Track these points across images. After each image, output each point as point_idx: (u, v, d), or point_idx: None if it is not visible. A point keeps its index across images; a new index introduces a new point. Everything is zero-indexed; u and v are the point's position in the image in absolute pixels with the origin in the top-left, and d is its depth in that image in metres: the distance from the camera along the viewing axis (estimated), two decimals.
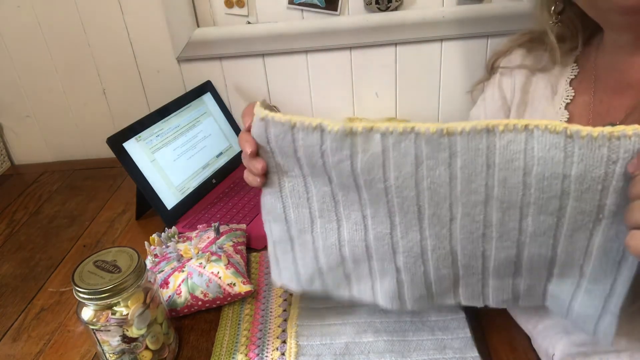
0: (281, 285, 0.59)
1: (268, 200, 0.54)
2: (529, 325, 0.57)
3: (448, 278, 0.51)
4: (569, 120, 0.64)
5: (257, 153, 0.50)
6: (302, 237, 0.54)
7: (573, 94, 0.65)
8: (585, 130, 0.38)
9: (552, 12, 0.63)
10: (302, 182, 0.50)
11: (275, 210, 0.54)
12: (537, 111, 0.68)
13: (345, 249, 0.52)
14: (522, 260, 0.47)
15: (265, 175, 0.52)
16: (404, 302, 0.54)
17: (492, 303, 0.53)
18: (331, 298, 0.58)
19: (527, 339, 0.57)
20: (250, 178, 0.53)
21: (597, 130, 0.37)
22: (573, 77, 0.66)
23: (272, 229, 0.55)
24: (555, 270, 0.47)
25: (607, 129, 0.37)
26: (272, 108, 0.49)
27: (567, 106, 0.65)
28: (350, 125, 0.43)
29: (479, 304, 0.54)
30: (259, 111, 0.47)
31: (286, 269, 0.57)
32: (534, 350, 0.56)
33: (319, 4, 0.98)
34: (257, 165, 0.50)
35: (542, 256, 0.46)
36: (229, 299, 0.66)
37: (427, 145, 0.42)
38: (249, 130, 0.50)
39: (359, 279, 0.55)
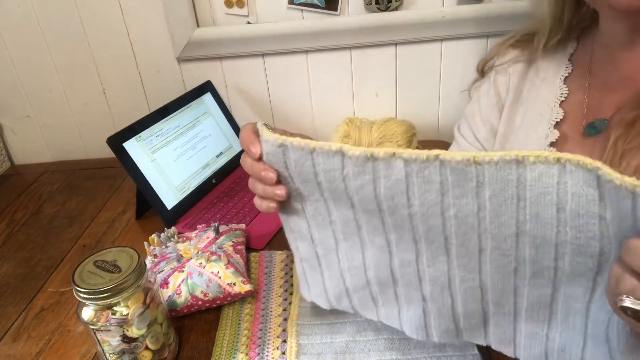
0: (311, 301, 0.58)
1: (292, 220, 0.52)
2: None
3: (477, 314, 0.49)
4: (564, 118, 0.65)
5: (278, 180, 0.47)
6: (328, 257, 0.53)
7: (567, 92, 0.66)
8: (610, 175, 0.34)
9: None
10: (324, 205, 0.49)
11: (300, 230, 0.53)
12: (531, 110, 0.68)
13: (371, 272, 0.51)
14: (558, 301, 0.44)
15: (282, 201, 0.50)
16: (430, 333, 0.52)
17: (523, 355, 0.50)
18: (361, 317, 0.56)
19: None
20: (265, 205, 0.50)
21: (619, 179, 0.34)
22: (567, 75, 0.67)
23: (299, 247, 0.55)
24: (590, 326, 0.44)
25: (630, 181, 0.34)
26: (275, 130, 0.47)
27: (561, 104, 0.66)
28: (371, 150, 0.42)
29: (510, 352, 0.51)
30: (272, 137, 0.45)
31: (315, 285, 0.57)
32: None
33: (319, 4, 0.98)
34: (280, 192, 0.47)
35: (579, 299, 0.43)
36: (229, 298, 0.66)
37: (453, 174, 0.40)
38: (260, 158, 0.47)
39: (386, 303, 0.54)
